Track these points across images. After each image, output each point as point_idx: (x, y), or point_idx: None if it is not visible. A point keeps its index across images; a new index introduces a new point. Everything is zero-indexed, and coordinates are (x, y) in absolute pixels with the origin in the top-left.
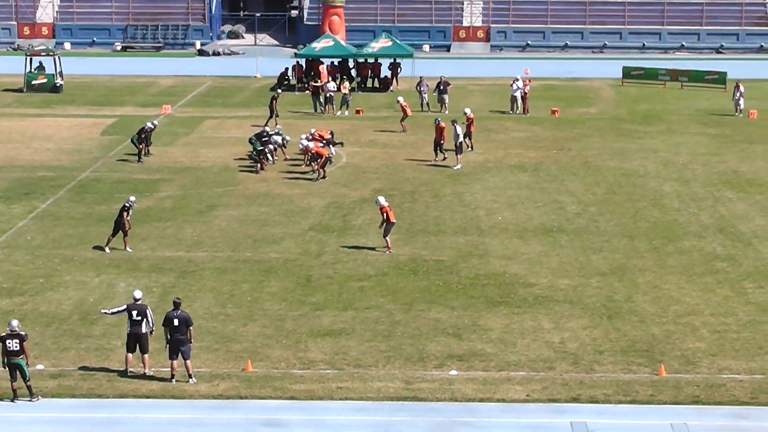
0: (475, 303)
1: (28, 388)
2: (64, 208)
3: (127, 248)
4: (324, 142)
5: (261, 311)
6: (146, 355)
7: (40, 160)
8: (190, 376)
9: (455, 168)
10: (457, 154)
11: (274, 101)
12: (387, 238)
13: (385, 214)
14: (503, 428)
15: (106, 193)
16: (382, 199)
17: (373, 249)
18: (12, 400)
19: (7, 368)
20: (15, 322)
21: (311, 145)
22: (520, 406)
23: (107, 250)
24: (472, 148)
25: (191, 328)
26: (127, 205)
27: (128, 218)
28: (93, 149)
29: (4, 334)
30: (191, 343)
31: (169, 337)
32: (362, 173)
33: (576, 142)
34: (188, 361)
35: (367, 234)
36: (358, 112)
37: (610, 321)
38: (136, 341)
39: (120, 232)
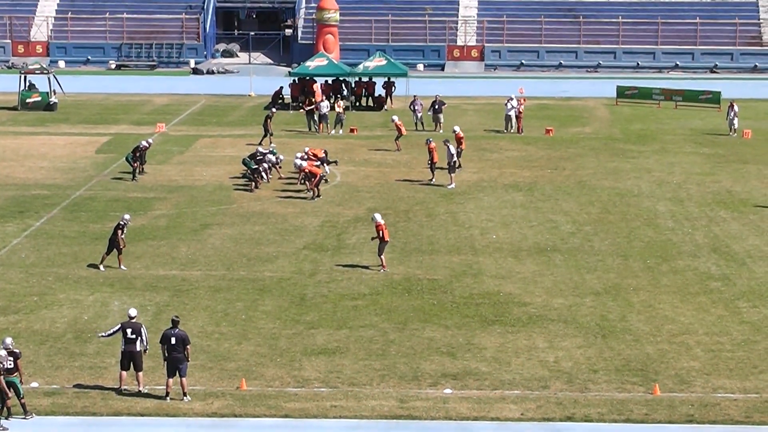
0: (470, 322)
1: (23, 405)
2: (58, 227)
3: (122, 266)
4: (318, 161)
5: (255, 330)
6: (140, 373)
7: (34, 179)
8: (185, 394)
9: (449, 187)
10: (450, 173)
11: (269, 120)
12: (381, 256)
13: (380, 232)
14: None
15: (101, 212)
16: (378, 217)
17: (367, 268)
18: (6, 418)
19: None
20: (9, 340)
21: (305, 164)
22: (515, 424)
23: (102, 268)
24: (460, 165)
25: (188, 346)
26: (121, 223)
27: (123, 236)
28: (87, 167)
29: None
30: (188, 361)
31: (166, 354)
32: (356, 192)
33: (570, 162)
34: (184, 379)
35: (362, 253)
36: (352, 131)
37: (605, 340)
38: (130, 359)
39: (114, 250)
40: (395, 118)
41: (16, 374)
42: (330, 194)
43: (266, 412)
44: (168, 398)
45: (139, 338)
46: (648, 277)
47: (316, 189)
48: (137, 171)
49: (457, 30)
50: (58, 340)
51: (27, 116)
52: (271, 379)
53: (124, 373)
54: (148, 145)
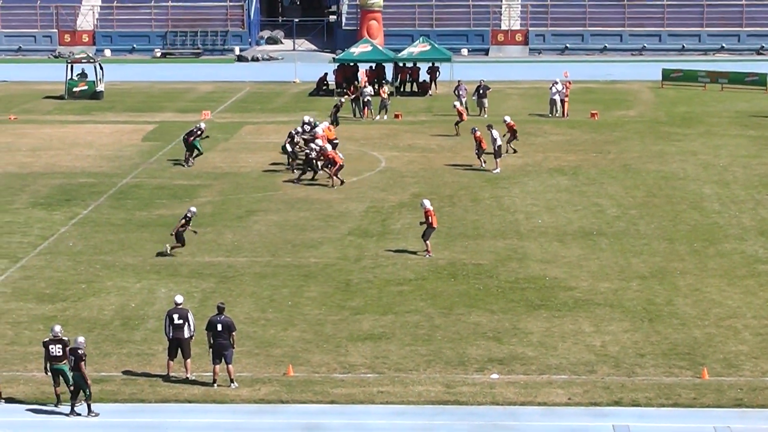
0: (515, 306)
1: (71, 393)
2: (105, 215)
3: (169, 251)
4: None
5: (301, 316)
6: (188, 360)
7: (80, 167)
8: (231, 381)
9: (494, 172)
10: (495, 158)
11: (337, 110)
12: (427, 242)
13: (428, 218)
14: None
15: (147, 199)
16: (426, 203)
17: (413, 253)
18: (55, 405)
19: (50, 373)
20: (58, 328)
21: (329, 147)
22: (562, 409)
23: (168, 251)
24: (515, 151)
25: (234, 333)
26: (188, 215)
27: (185, 227)
28: (133, 155)
29: (47, 339)
30: (234, 348)
31: (212, 341)
32: (401, 177)
33: (615, 145)
34: (230, 366)
35: (406, 238)
36: (396, 116)
37: (651, 324)
38: (177, 346)
39: (178, 241)
40: (457, 104)
41: (65, 362)
42: (374, 180)
43: (312, 398)
44: (215, 385)
45: (186, 324)
46: (694, 261)
47: (336, 177)
48: (190, 157)
49: (501, 14)
50: (106, 328)
51: (73, 105)
52: (318, 365)
53: (171, 361)
54: (199, 131)
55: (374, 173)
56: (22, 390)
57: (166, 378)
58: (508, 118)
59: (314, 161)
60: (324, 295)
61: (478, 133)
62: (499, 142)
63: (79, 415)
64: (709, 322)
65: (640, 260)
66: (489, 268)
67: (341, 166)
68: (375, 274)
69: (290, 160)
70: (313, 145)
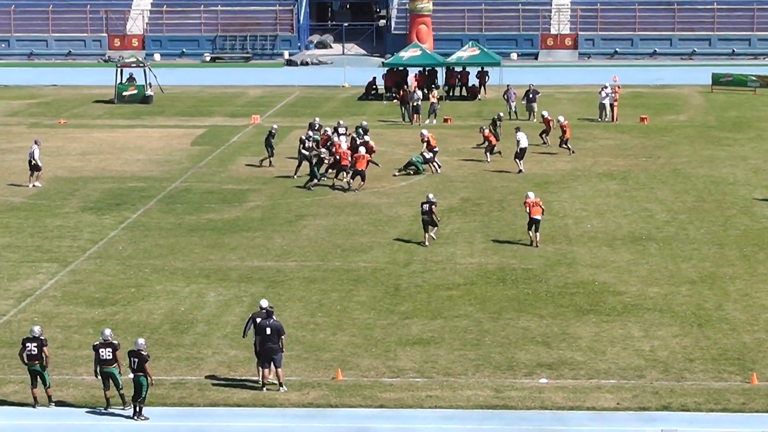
0: (564, 311)
1: (121, 396)
2: (155, 219)
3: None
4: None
5: (350, 320)
6: (279, 369)
7: (130, 171)
8: (280, 385)
9: (518, 173)
10: (516, 158)
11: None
12: (529, 233)
13: (527, 207)
14: None
15: (196, 204)
16: (531, 195)
17: (462, 258)
18: (105, 409)
19: (100, 377)
20: (108, 332)
21: (362, 150)
22: (611, 414)
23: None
24: (573, 151)
25: (283, 336)
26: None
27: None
28: (183, 160)
29: (97, 343)
30: (282, 351)
31: (260, 345)
32: (450, 182)
33: (665, 150)
34: (279, 370)
35: (456, 243)
36: (445, 120)
37: (701, 329)
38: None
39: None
40: (545, 113)
41: (114, 365)
42: (424, 184)
43: (362, 402)
44: (264, 389)
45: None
46: (744, 266)
47: (353, 181)
48: (268, 158)
49: (550, 18)
50: (155, 332)
51: (123, 109)
52: (366, 369)
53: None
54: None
55: (424, 178)
56: (72, 393)
57: (262, 386)
58: (561, 118)
59: (317, 164)
60: (373, 299)
61: (486, 131)
62: (522, 144)
63: (147, 418)
64: (759, 327)
65: (689, 265)
66: (538, 273)
67: (357, 170)
68: (424, 278)
69: (299, 165)
70: (324, 149)
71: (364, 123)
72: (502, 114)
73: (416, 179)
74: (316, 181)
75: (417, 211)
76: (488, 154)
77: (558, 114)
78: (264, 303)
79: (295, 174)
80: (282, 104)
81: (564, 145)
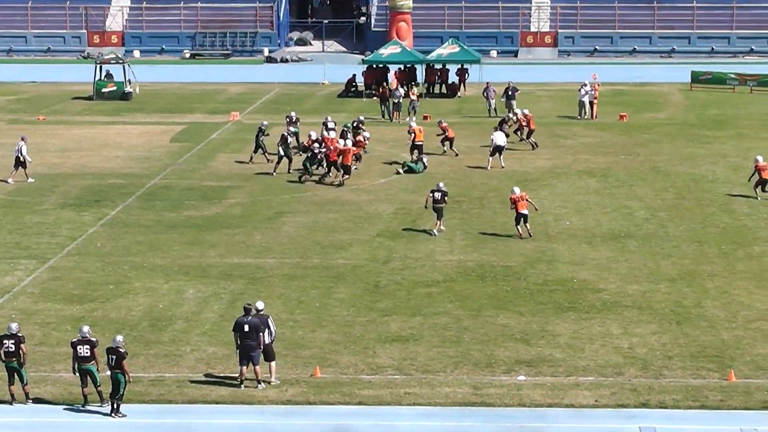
0: (544, 309)
1: (99, 393)
2: (134, 216)
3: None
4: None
5: (329, 317)
6: (273, 363)
7: (110, 168)
8: (259, 382)
9: (488, 169)
10: (489, 156)
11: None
12: (527, 225)
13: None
14: None
15: (176, 200)
16: (517, 190)
17: (441, 255)
18: (83, 406)
19: (78, 374)
20: (86, 329)
21: (349, 143)
22: (589, 411)
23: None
24: (534, 146)
25: (261, 334)
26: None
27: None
28: (162, 156)
29: (75, 340)
30: (261, 349)
31: (239, 342)
32: (431, 179)
33: (645, 148)
34: (258, 367)
35: (435, 240)
36: (425, 118)
37: (679, 326)
38: (261, 351)
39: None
40: (519, 111)
41: (93, 362)
42: (404, 181)
43: (340, 399)
44: (242, 386)
45: (267, 329)
46: (723, 263)
47: (341, 174)
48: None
49: (530, 16)
50: (134, 329)
51: (103, 106)
52: (346, 366)
53: (257, 367)
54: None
55: (404, 175)
56: (50, 391)
57: (240, 383)
58: (526, 111)
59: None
60: (353, 296)
61: (444, 124)
62: (497, 142)
63: (124, 416)
64: (738, 324)
65: (669, 263)
66: (518, 270)
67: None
68: (404, 275)
69: (278, 161)
70: (316, 145)
71: (361, 117)
72: (510, 115)
73: (395, 177)
74: (308, 176)
75: (396, 207)
76: (444, 143)
77: (537, 110)
78: (260, 305)
79: (274, 171)
80: (262, 101)
81: (526, 139)
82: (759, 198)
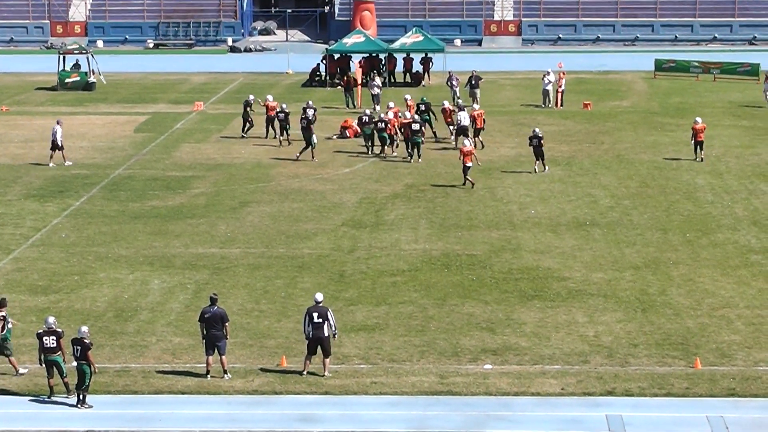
0: (509, 297)
1: (65, 384)
2: (98, 206)
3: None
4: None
5: (295, 307)
6: (328, 359)
7: (73, 158)
8: (225, 372)
9: (451, 140)
10: (455, 135)
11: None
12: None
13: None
14: (538, 422)
15: (140, 191)
16: (467, 143)
17: (406, 244)
18: (49, 397)
19: (44, 365)
20: (51, 320)
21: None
22: (555, 399)
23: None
24: (483, 146)
25: (227, 324)
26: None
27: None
28: (126, 147)
29: (40, 331)
30: (227, 339)
31: (205, 332)
32: (394, 168)
33: (608, 136)
34: (224, 357)
35: (400, 229)
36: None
37: (645, 314)
38: (317, 344)
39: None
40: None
41: (59, 353)
42: (368, 171)
43: (306, 389)
44: (208, 376)
45: (326, 322)
46: (688, 251)
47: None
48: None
49: (494, 5)
50: (99, 319)
51: (66, 96)
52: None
53: (308, 360)
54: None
55: (368, 164)
56: (15, 382)
57: (300, 374)
58: (446, 103)
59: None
60: (318, 286)
61: (447, 106)
62: (462, 123)
63: (91, 406)
64: (702, 312)
65: (633, 250)
66: (483, 259)
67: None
68: (369, 265)
69: (246, 129)
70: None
71: (368, 111)
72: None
73: (359, 166)
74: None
75: (361, 197)
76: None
77: (500, 98)
78: (319, 296)
79: (244, 133)
80: (226, 91)
81: (474, 137)
82: (697, 159)
